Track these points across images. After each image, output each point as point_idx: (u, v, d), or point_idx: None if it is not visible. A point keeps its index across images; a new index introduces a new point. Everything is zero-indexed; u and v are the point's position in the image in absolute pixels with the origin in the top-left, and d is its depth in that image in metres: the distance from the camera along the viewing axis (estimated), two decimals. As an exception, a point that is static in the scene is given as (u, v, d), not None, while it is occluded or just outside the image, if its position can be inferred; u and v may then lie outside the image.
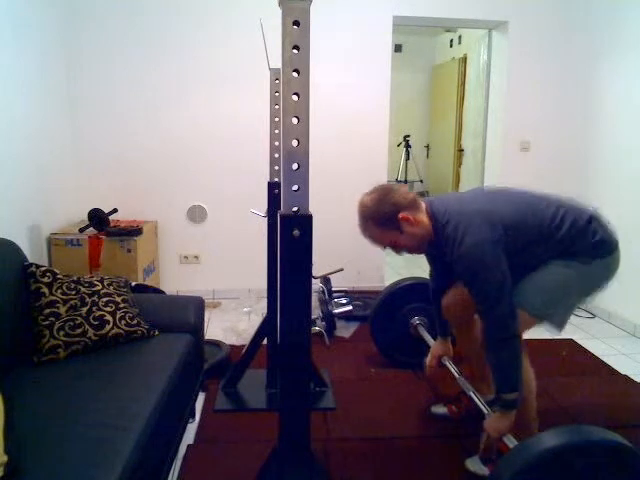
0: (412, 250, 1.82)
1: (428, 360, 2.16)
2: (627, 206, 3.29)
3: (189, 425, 2.06)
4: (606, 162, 3.56)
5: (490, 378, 2.12)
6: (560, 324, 1.77)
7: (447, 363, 2.11)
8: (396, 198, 1.73)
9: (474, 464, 1.85)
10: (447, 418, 2.20)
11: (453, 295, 2.10)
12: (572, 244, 1.73)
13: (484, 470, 1.81)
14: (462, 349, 2.19)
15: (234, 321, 3.28)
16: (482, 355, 2.03)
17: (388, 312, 2.63)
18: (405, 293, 2.63)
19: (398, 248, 1.80)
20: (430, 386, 2.49)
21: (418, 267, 5.31)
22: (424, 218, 1.74)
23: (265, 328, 2.37)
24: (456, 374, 2.04)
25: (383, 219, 1.72)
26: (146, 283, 3.12)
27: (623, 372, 2.68)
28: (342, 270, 3.36)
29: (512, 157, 3.81)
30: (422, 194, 6.76)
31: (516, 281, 1.74)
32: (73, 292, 1.87)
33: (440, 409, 2.24)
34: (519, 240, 1.69)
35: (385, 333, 2.66)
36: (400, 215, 1.69)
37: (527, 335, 1.82)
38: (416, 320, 2.54)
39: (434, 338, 2.25)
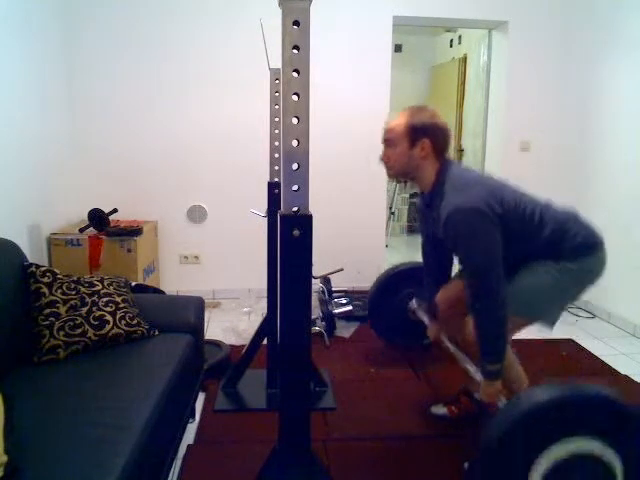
0: (399, 171, 1.86)
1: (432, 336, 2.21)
2: (626, 206, 3.29)
3: (189, 425, 2.06)
4: (606, 162, 3.56)
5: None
6: (551, 323, 1.82)
7: (445, 340, 2.13)
8: (439, 131, 1.79)
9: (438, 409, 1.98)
10: (446, 418, 2.20)
11: (444, 292, 2.12)
12: (555, 245, 1.76)
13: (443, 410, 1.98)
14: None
15: (234, 321, 3.28)
16: (474, 354, 2.02)
17: (386, 296, 2.62)
18: (402, 277, 2.64)
19: (390, 164, 1.85)
20: (431, 386, 2.49)
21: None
22: (435, 164, 1.80)
23: (265, 328, 2.37)
24: (452, 350, 2.06)
25: (413, 127, 1.76)
26: (146, 283, 3.12)
27: (623, 372, 2.68)
28: (342, 270, 3.36)
29: (512, 157, 3.81)
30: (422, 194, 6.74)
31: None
32: (73, 292, 1.87)
33: (440, 410, 2.24)
34: (511, 228, 1.71)
35: (383, 317, 2.66)
36: (425, 139, 1.75)
37: (528, 335, 1.83)
38: (414, 303, 2.53)
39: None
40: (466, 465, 1.85)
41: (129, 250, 3.03)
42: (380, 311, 2.69)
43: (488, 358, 1.71)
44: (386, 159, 1.86)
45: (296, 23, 0.91)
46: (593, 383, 2.55)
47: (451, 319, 2.11)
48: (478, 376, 1.81)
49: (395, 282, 2.65)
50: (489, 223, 1.65)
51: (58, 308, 1.81)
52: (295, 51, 0.92)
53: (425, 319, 2.36)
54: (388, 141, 1.83)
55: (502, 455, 1.41)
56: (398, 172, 1.86)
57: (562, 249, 1.77)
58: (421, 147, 1.76)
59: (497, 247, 1.66)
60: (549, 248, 1.77)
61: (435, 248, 2.09)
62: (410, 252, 6.04)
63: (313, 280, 2.24)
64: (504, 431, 1.40)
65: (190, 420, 2.09)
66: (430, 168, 1.80)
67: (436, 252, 2.11)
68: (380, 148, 1.91)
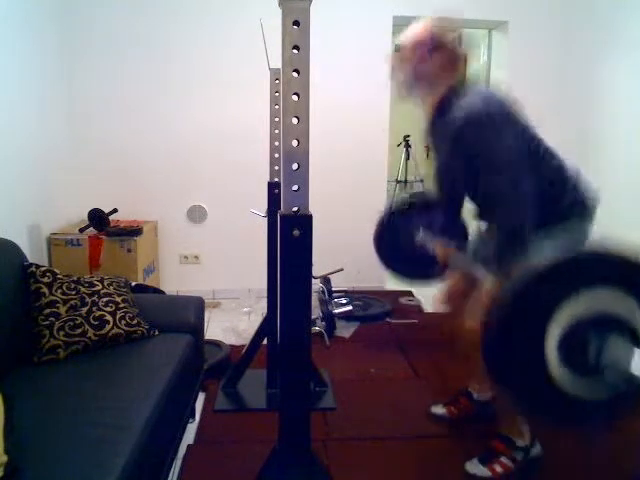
0: (411, 80, 1.79)
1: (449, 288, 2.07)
2: (627, 206, 3.29)
3: (189, 425, 2.06)
4: (606, 162, 3.56)
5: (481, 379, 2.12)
6: None
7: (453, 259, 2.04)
8: (456, 46, 1.75)
9: (474, 466, 1.84)
10: (446, 419, 2.20)
11: (450, 285, 2.09)
12: (557, 192, 1.71)
13: (484, 471, 1.81)
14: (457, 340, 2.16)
15: (234, 321, 3.28)
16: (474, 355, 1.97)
17: (393, 228, 2.52)
18: (408, 210, 2.50)
19: (402, 74, 1.81)
20: (431, 386, 2.49)
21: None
22: (450, 79, 1.74)
23: (265, 328, 2.37)
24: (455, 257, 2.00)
25: (445, 42, 1.72)
26: (146, 283, 3.12)
27: (623, 372, 2.67)
28: (342, 270, 3.36)
29: (512, 157, 3.81)
30: (422, 193, 6.75)
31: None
32: (73, 292, 1.87)
33: (439, 410, 2.24)
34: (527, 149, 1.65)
35: (391, 251, 2.56)
36: (444, 49, 1.71)
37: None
38: (422, 235, 2.30)
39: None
40: (468, 466, 1.85)
41: (129, 250, 3.03)
42: (388, 243, 2.54)
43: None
44: (399, 67, 1.80)
45: (296, 23, 0.91)
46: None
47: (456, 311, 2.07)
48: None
49: (404, 213, 2.50)
50: (507, 125, 1.59)
51: (58, 308, 1.81)
52: (295, 51, 0.92)
53: (434, 243, 2.19)
54: (404, 49, 1.78)
55: (517, 315, 1.29)
56: (410, 81, 1.79)
57: (561, 203, 1.71)
58: (440, 56, 1.71)
59: (523, 157, 1.58)
60: (547, 198, 1.69)
61: (450, 183, 1.99)
62: (410, 252, 6.04)
63: (313, 280, 2.22)
64: (519, 290, 1.29)
65: (190, 420, 2.09)
66: (444, 82, 1.73)
67: (451, 187, 2.01)
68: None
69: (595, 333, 1.25)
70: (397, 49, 1.95)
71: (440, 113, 1.74)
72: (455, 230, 2.10)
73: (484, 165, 1.63)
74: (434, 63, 1.72)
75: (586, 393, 1.27)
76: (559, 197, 1.72)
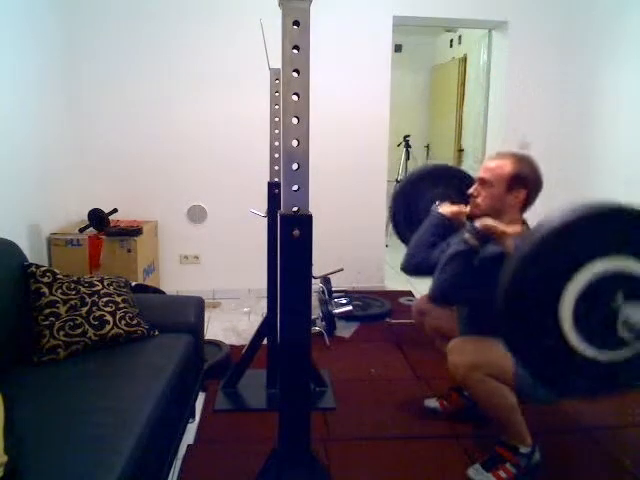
0: (484, 210, 1.82)
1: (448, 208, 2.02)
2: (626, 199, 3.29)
3: (189, 425, 2.06)
4: (606, 163, 3.56)
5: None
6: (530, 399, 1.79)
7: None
8: (537, 186, 1.83)
9: (477, 473, 1.83)
10: (438, 412, 2.24)
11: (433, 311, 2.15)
12: None
13: (489, 477, 1.80)
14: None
15: (234, 321, 3.28)
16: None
17: (409, 199, 2.41)
18: (426, 179, 2.42)
19: (479, 201, 1.84)
20: (427, 382, 2.49)
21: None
22: (519, 215, 1.84)
23: (265, 328, 2.37)
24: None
25: (518, 176, 1.78)
26: (146, 283, 3.12)
27: (623, 372, 2.67)
28: (342, 270, 3.36)
29: (512, 157, 3.81)
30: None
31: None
32: (73, 292, 1.87)
33: (432, 403, 2.27)
34: None
35: (407, 221, 2.42)
36: (523, 189, 1.79)
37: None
38: (437, 206, 2.24)
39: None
40: (470, 472, 1.84)
41: (129, 250, 3.03)
42: (404, 213, 2.44)
43: None
44: (477, 194, 1.85)
45: (296, 23, 0.91)
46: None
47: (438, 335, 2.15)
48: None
49: (420, 184, 2.40)
50: None
51: (58, 308, 1.81)
52: (295, 51, 0.92)
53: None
54: (485, 179, 1.83)
55: (532, 276, 1.25)
56: (483, 211, 1.84)
57: None
58: (515, 195, 1.79)
59: None
60: None
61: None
62: (410, 252, 6.04)
63: (313, 280, 2.21)
64: (535, 248, 1.24)
65: (190, 420, 2.09)
66: (513, 218, 1.80)
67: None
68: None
69: (612, 293, 1.21)
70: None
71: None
72: None
73: None
74: (508, 202, 1.80)
75: (602, 356, 1.23)
76: None
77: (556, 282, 1.22)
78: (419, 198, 2.34)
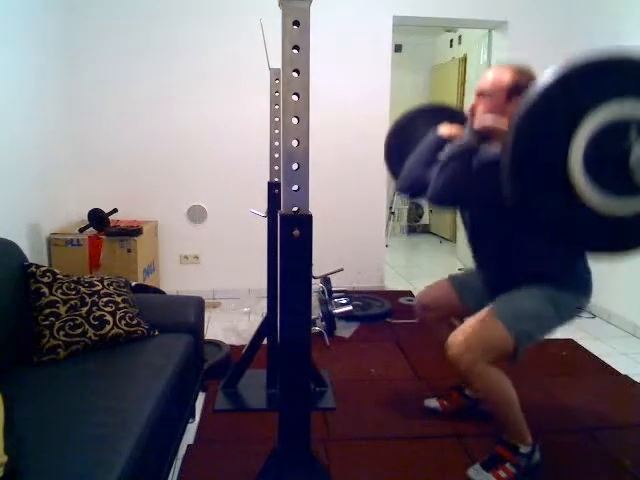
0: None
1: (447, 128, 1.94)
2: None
3: (189, 425, 2.06)
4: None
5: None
6: (520, 353, 1.77)
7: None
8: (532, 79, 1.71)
9: (477, 473, 1.83)
10: (438, 412, 2.23)
11: (433, 296, 2.15)
12: (567, 265, 1.76)
13: (488, 477, 1.80)
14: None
15: (234, 321, 3.28)
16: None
17: (405, 138, 2.28)
18: (424, 117, 2.31)
19: (478, 115, 1.77)
20: (428, 381, 2.49)
21: (417, 266, 5.32)
22: None
23: (265, 328, 2.37)
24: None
25: (517, 85, 1.70)
26: (146, 283, 3.12)
27: (623, 372, 2.68)
28: (342, 270, 3.36)
29: (512, 157, 3.81)
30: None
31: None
32: (73, 292, 1.87)
33: (432, 403, 2.27)
34: None
35: (402, 160, 2.24)
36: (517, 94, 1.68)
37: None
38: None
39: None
40: (470, 472, 1.84)
41: (129, 250, 3.03)
42: (399, 153, 2.27)
43: None
44: (476, 106, 1.79)
45: (296, 23, 0.91)
46: (593, 383, 2.57)
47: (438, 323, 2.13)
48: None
49: (417, 121, 2.30)
50: None
51: (58, 308, 1.81)
52: (295, 51, 0.92)
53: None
54: (484, 91, 1.76)
55: (540, 125, 1.21)
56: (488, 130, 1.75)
57: (572, 275, 1.77)
58: (516, 104, 1.64)
59: None
60: (560, 265, 1.75)
61: None
62: (410, 252, 6.05)
63: (313, 280, 2.21)
64: (542, 95, 1.22)
65: (190, 420, 2.09)
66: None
67: None
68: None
69: (624, 134, 1.16)
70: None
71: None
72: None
73: None
74: (509, 111, 1.70)
75: (614, 206, 1.18)
76: (571, 274, 1.79)
77: (565, 129, 1.16)
78: (415, 136, 2.21)
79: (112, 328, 1.84)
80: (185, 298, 2.27)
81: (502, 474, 1.79)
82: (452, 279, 2.14)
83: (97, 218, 3.10)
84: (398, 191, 2.10)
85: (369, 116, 3.70)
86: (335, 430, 2.12)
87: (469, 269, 2.18)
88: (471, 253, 2.02)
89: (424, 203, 6.70)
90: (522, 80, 1.73)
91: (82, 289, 1.90)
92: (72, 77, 3.39)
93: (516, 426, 1.81)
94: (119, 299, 1.95)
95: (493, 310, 1.77)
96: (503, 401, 1.79)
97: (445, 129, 1.92)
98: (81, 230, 3.06)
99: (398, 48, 6.42)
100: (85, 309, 1.84)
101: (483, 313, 1.79)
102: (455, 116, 2.11)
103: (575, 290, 1.81)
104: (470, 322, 1.81)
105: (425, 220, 6.78)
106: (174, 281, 3.72)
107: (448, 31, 6.09)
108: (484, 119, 1.72)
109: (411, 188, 2.02)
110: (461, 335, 1.80)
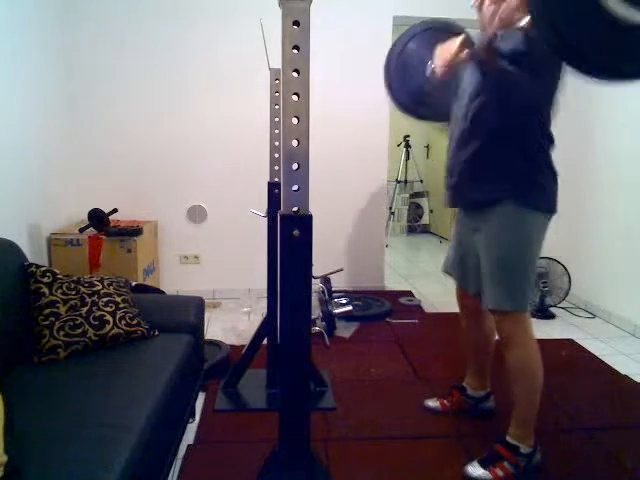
0: (505, 19, 1.64)
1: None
2: (627, 207, 3.29)
3: (189, 425, 2.06)
4: (606, 162, 3.56)
5: (483, 376, 2.14)
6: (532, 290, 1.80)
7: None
8: None
9: (474, 469, 1.84)
10: (439, 412, 2.24)
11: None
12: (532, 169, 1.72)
13: (485, 474, 1.81)
14: (468, 337, 2.19)
15: (234, 321, 3.28)
16: (485, 352, 2.03)
17: (405, 63, 2.22)
18: (424, 37, 2.28)
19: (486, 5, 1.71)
20: (428, 381, 2.49)
21: (417, 266, 5.32)
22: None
23: (265, 328, 2.37)
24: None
25: None
26: (146, 283, 3.12)
27: (623, 372, 2.68)
28: (342, 270, 3.36)
29: (512, 157, 3.81)
30: (422, 194, 6.76)
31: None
32: (73, 292, 1.87)
33: (433, 403, 2.28)
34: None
35: (402, 83, 2.26)
36: None
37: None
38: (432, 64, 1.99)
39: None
40: (469, 469, 1.85)
41: (129, 250, 3.03)
42: (398, 80, 2.25)
43: None
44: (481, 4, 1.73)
45: (296, 23, 0.91)
46: (593, 383, 2.57)
47: (474, 311, 2.07)
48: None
49: (418, 42, 2.27)
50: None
51: (58, 308, 1.81)
52: (295, 51, 0.92)
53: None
54: None
55: None
56: (504, 21, 1.64)
57: (535, 190, 1.72)
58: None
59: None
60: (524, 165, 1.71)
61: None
62: (410, 252, 6.05)
63: (313, 280, 2.22)
64: None
65: (190, 420, 2.09)
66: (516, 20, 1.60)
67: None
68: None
69: None
70: None
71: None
72: None
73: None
74: (508, 4, 1.62)
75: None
76: (532, 174, 1.74)
77: None
78: (415, 58, 2.15)
79: (112, 328, 1.84)
80: (185, 298, 2.27)
81: (499, 472, 1.80)
82: (447, 272, 2.13)
83: (97, 218, 3.10)
84: (399, 106, 2.10)
85: (369, 116, 3.70)
86: (335, 430, 2.12)
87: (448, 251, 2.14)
88: (447, 165, 1.95)
89: (424, 200, 6.70)
90: None
91: (82, 289, 1.90)
92: (72, 77, 3.39)
93: (527, 418, 1.82)
94: (119, 299, 1.95)
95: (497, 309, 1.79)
96: (531, 376, 1.83)
97: (439, 60, 1.77)
98: (81, 230, 3.06)
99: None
100: (85, 309, 1.84)
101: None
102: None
103: (537, 204, 1.75)
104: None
105: (425, 220, 6.78)
106: (174, 281, 3.72)
107: (448, 31, 6.09)
108: (495, 19, 1.61)
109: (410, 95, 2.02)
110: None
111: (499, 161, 1.75)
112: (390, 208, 6.28)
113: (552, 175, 1.78)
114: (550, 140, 1.77)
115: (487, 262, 1.80)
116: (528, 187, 1.74)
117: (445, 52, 1.74)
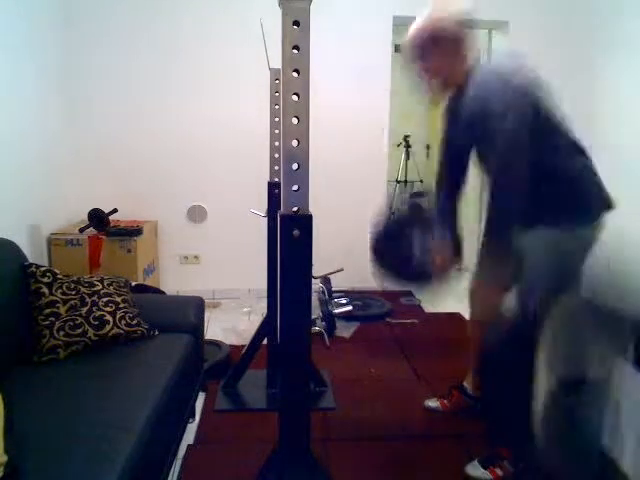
0: (444, 78, 1.75)
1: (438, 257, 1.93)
2: (627, 208, 3.28)
3: (189, 425, 2.06)
4: (606, 163, 3.55)
5: None
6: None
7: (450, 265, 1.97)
8: (451, 28, 1.73)
9: (475, 469, 1.84)
10: (439, 412, 2.24)
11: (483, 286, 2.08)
12: (561, 190, 1.70)
13: (485, 474, 1.81)
14: (473, 335, 2.18)
15: (234, 321, 3.28)
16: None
17: (391, 234, 2.22)
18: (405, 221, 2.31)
19: (430, 73, 1.76)
20: (427, 381, 2.49)
21: (418, 267, 5.31)
22: (462, 64, 1.73)
23: (265, 328, 2.37)
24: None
25: (445, 34, 1.70)
26: (146, 283, 3.12)
27: (623, 372, 2.68)
28: (342, 270, 3.36)
29: (512, 157, 3.81)
30: (422, 194, 6.76)
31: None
32: (73, 292, 1.87)
33: (433, 403, 2.28)
34: (539, 132, 1.62)
35: (389, 255, 2.20)
36: (457, 39, 1.70)
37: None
38: (420, 242, 2.11)
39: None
40: (468, 469, 1.85)
41: (129, 250, 3.03)
42: (385, 250, 2.19)
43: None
44: (424, 76, 1.77)
45: (296, 23, 0.91)
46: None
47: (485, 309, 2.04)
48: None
49: (398, 226, 2.27)
50: (526, 99, 1.57)
51: (58, 308, 1.81)
52: (295, 51, 0.92)
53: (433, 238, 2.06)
54: (421, 50, 1.74)
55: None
56: (445, 79, 1.75)
57: (573, 204, 1.70)
58: (454, 51, 1.69)
59: (526, 129, 1.57)
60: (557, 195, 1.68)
61: (452, 159, 1.96)
62: (410, 252, 6.04)
63: (313, 280, 2.20)
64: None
65: (190, 420, 2.09)
66: (461, 66, 1.72)
67: (453, 163, 1.98)
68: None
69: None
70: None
71: (459, 94, 1.72)
72: (449, 217, 2.02)
73: (495, 123, 1.61)
74: (439, 58, 1.70)
75: None
76: (561, 195, 1.71)
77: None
78: (400, 233, 2.20)
79: (112, 328, 1.84)
80: (185, 298, 2.27)
81: (499, 472, 1.80)
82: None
83: (97, 218, 3.10)
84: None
85: (369, 116, 3.70)
86: (335, 430, 2.12)
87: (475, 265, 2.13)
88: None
89: (424, 200, 6.69)
90: (438, 27, 1.71)
91: (82, 289, 1.90)
92: (72, 77, 3.39)
93: None
94: (119, 299, 1.95)
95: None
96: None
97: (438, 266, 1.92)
98: (81, 230, 3.06)
99: (398, 48, 6.42)
100: (85, 309, 1.84)
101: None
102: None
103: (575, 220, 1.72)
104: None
105: (425, 220, 6.77)
106: (174, 281, 3.72)
107: (448, 31, 6.09)
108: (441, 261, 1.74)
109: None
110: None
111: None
112: (390, 208, 6.28)
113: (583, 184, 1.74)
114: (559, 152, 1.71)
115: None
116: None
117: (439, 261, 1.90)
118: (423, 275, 2.17)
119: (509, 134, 1.57)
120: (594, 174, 1.76)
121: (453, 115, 1.84)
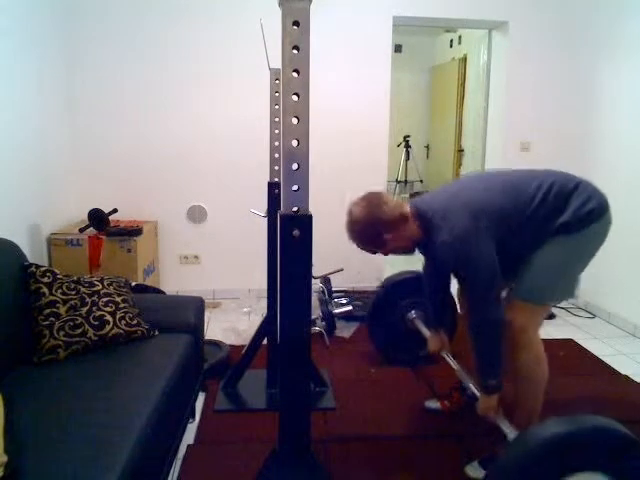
0: (399, 253, 1.92)
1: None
2: (627, 207, 3.29)
3: (189, 425, 2.06)
4: (606, 162, 3.56)
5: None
6: (570, 294, 1.85)
7: (446, 356, 2.15)
8: (383, 218, 1.80)
9: (474, 470, 1.85)
10: (439, 412, 2.24)
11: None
12: (560, 213, 1.74)
13: (436, 405, 1.91)
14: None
15: (234, 321, 3.28)
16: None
17: (384, 310, 2.63)
18: (399, 288, 2.64)
19: (386, 253, 1.90)
20: (428, 382, 2.49)
21: (417, 266, 5.32)
22: (411, 226, 1.82)
23: (265, 328, 2.37)
24: (454, 366, 2.07)
25: (369, 237, 1.82)
26: (146, 283, 3.11)
27: (623, 372, 2.68)
28: (342, 270, 3.36)
29: (512, 157, 3.81)
30: (422, 194, 6.76)
31: (516, 269, 1.80)
32: (73, 292, 1.87)
33: (433, 404, 2.28)
34: (507, 224, 1.73)
35: (383, 332, 2.66)
36: (385, 237, 1.79)
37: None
38: (412, 314, 2.53)
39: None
40: (468, 470, 1.85)
41: (129, 250, 3.02)
42: (380, 324, 2.67)
43: (486, 371, 1.73)
44: (384, 253, 1.91)
45: (296, 23, 0.91)
46: (593, 383, 2.57)
47: None
48: (477, 391, 1.84)
49: (393, 293, 2.64)
50: (482, 238, 1.67)
51: (58, 308, 1.81)
52: (295, 51, 0.92)
53: (424, 330, 2.37)
54: (371, 251, 1.91)
55: None
56: (402, 250, 1.92)
57: (568, 218, 1.73)
58: (391, 240, 1.82)
59: (496, 261, 1.68)
60: (555, 218, 1.74)
61: (434, 269, 2.16)
62: (410, 252, 6.04)
63: (313, 280, 2.23)
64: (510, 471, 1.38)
65: (190, 420, 2.09)
66: (412, 228, 1.83)
67: (437, 274, 2.17)
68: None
69: None
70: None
71: (426, 238, 1.83)
72: (440, 308, 2.23)
73: (466, 272, 1.75)
74: (388, 246, 1.84)
75: None
76: (569, 219, 1.75)
77: None
78: (392, 306, 2.60)
79: (112, 328, 1.84)
80: (185, 298, 2.27)
81: None
82: None
83: (97, 218, 3.10)
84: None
85: (369, 116, 3.70)
86: (335, 430, 2.12)
87: None
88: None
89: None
90: (373, 216, 1.81)
91: (82, 289, 1.90)
92: (72, 78, 3.39)
93: (530, 418, 1.82)
94: (119, 299, 1.95)
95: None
96: (540, 378, 1.85)
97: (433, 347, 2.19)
98: (81, 230, 3.06)
99: (398, 48, 6.42)
100: (85, 309, 1.84)
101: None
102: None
103: (579, 221, 1.74)
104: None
105: (425, 220, 6.77)
106: (174, 281, 3.72)
107: (448, 31, 6.10)
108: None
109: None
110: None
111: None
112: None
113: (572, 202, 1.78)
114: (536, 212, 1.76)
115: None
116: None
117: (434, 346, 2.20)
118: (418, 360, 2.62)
119: (478, 280, 1.69)
120: (577, 190, 1.80)
121: (427, 251, 2.00)
